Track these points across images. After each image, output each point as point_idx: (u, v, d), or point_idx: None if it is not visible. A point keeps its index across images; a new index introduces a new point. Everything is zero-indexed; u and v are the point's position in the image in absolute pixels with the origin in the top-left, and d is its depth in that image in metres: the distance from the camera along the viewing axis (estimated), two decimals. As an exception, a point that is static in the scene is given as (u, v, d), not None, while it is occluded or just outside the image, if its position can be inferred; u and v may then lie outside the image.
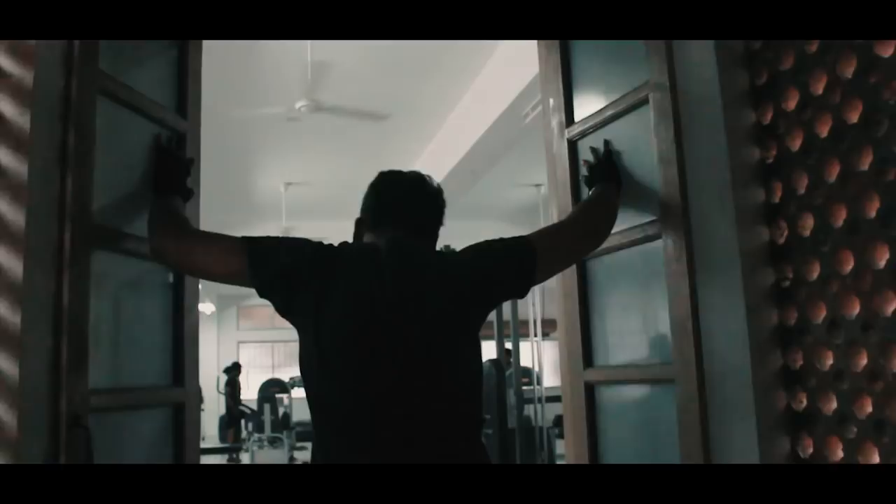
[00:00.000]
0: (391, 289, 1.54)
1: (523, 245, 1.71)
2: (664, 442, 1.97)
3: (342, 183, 9.44)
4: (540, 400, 5.53)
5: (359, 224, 1.77)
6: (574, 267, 2.30)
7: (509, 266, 1.68)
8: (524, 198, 10.87)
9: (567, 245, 1.89)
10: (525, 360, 6.25)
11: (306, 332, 1.56)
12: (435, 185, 1.81)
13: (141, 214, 1.91)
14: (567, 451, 2.34)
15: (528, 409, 5.55)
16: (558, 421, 7.00)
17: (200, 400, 2.29)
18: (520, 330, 6.00)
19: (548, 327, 5.66)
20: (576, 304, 2.30)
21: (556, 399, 6.84)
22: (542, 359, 5.80)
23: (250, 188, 10.21)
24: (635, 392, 2.21)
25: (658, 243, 2.00)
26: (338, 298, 1.53)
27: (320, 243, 1.63)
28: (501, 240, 1.74)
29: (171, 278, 2.15)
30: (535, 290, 5.44)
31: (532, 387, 5.85)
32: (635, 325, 2.20)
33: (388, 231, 1.70)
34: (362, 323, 1.53)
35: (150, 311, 2.11)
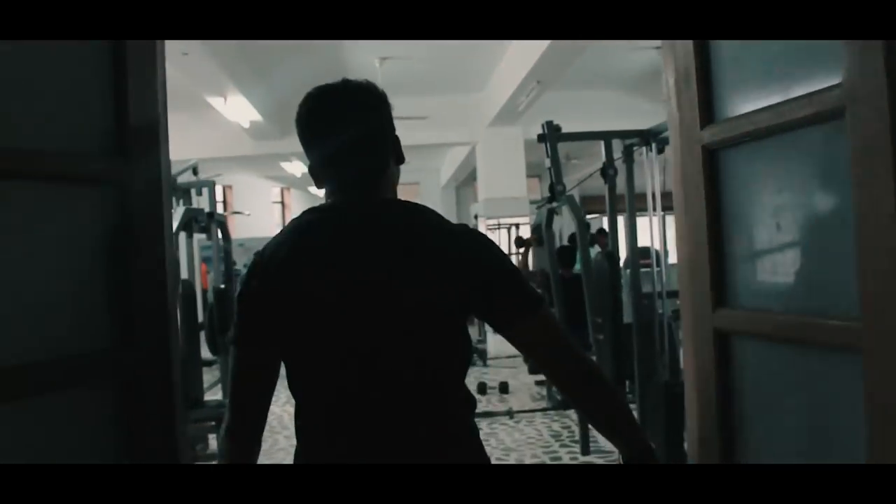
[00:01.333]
0: (352, 289, 1.42)
1: (530, 298, 1.49)
2: (840, 434, 1.27)
3: (443, 54, 8.71)
4: (661, 294, 4.76)
5: (311, 172, 1.56)
6: (699, 157, 1.56)
7: (495, 300, 1.47)
8: (643, 62, 9.81)
9: (548, 354, 1.50)
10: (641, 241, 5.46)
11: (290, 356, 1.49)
12: (364, 85, 1.53)
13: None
14: (690, 430, 1.66)
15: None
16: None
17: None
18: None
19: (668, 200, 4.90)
20: (701, 210, 1.56)
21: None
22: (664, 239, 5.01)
23: (341, 65, 9.63)
24: (794, 355, 1.45)
25: (837, 124, 1.22)
26: (308, 316, 1.44)
27: (253, 284, 1.47)
28: (513, 271, 1.51)
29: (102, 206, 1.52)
30: (655, 159, 4.60)
31: (652, 269, 4.98)
32: (794, 253, 1.45)
33: (341, 189, 1.52)
34: (336, 327, 1.43)
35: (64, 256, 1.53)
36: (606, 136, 4.79)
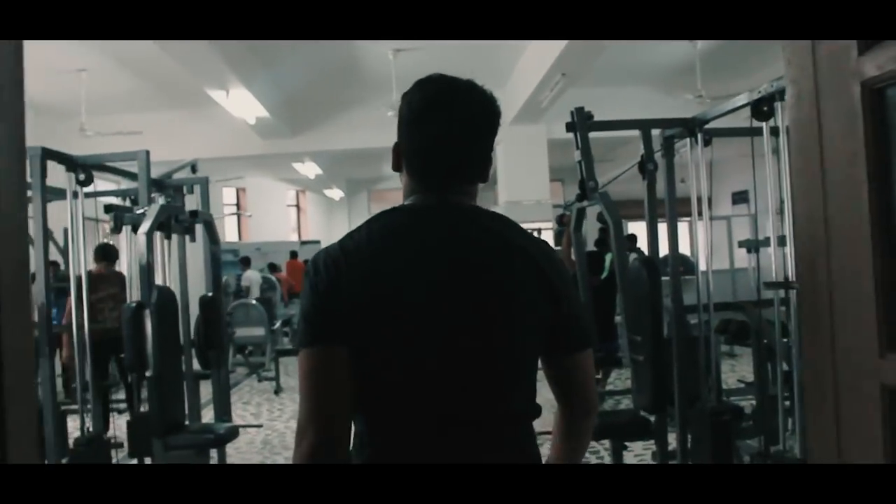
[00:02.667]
0: (435, 293, 1.37)
1: (587, 336, 1.51)
2: None
3: (461, 46, 8.14)
4: (706, 307, 4.13)
5: (396, 151, 1.46)
6: (853, 99, 0.95)
7: (558, 327, 1.45)
8: (676, 55, 9.18)
9: (574, 389, 1.52)
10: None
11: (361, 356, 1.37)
12: (489, 96, 1.46)
13: None
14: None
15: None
16: (725, 327, 5.63)
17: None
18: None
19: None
20: (856, 187, 0.95)
21: (726, 307, 5.49)
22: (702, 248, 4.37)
23: (355, 58, 9.08)
24: None
25: None
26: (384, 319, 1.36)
27: (332, 283, 1.37)
28: (580, 303, 1.58)
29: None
30: (701, 153, 3.99)
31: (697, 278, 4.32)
32: None
33: (428, 189, 1.43)
34: (412, 332, 1.37)
35: None
36: (645, 126, 4.18)
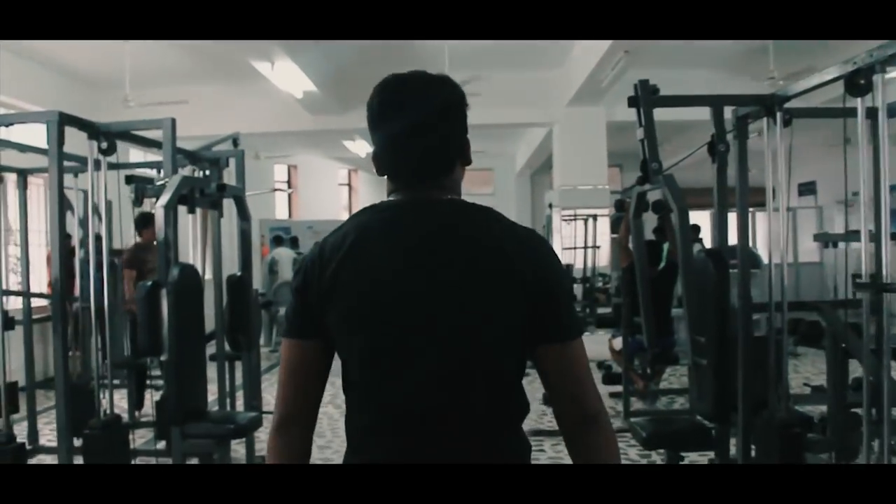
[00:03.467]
0: (409, 290, 1.42)
1: (573, 326, 1.48)
2: None
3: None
4: (780, 306, 3.68)
5: (375, 162, 1.52)
6: None
7: (541, 316, 1.44)
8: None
9: (563, 384, 1.47)
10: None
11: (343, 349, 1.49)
12: (442, 84, 1.50)
13: None
14: None
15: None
16: (794, 328, 5.15)
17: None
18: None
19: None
20: None
21: (800, 306, 4.99)
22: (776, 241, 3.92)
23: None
24: None
25: None
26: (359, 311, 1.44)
27: (310, 278, 1.47)
28: (568, 293, 1.55)
29: None
30: (781, 134, 3.57)
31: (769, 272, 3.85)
32: None
33: (404, 187, 1.49)
34: (387, 322, 1.42)
35: None
36: (717, 102, 3.74)
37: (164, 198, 3.48)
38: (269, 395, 7.76)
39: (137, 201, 3.84)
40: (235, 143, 6.43)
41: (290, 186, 18.03)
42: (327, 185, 18.72)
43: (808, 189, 18.83)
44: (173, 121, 3.90)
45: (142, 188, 3.83)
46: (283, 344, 1.51)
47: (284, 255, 13.10)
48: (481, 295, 1.40)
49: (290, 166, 17.75)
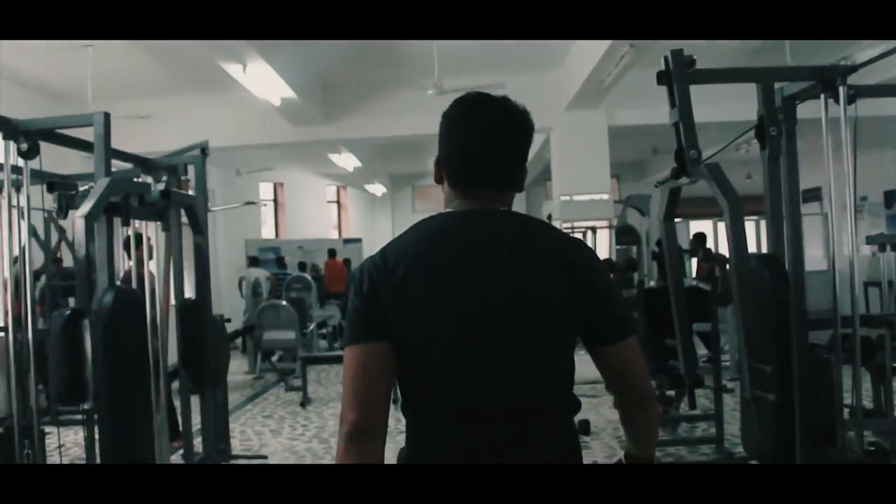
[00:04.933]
0: (470, 296, 1.50)
1: (627, 324, 1.58)
2: None
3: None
4: (848, 321, 3.01)
5: (437, 164, 1.62)
6: None
7: (597, 318, 1.55)
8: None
9: (625, 378, 1.59)
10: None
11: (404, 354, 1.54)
12: (521, 109, 1.59)
13: None
14: None
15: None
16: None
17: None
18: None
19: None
20: None
21: (867, 322, 4.28)
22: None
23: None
24: None
25: None
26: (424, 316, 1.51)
27: (375, 285, 1.53)
28: (617, 293, 1.64)
29: None
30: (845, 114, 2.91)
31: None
32: None
33: (466, 196, 1.58)
34: (449, 330, 1.50)
35: None
36: (765, 76, 3.07)
37: (86, 206, 2.79)
38: (251, 429, 7.10)
39: (62, 212, 3.15)
40: (204, 152, 5.78)
41: (276, 204, 17.35)
42: (315, 202, 18.02)
43: (812, 196, 18.25)
44: (106, 115, 3.22)
45: (66, 197, 3.13)
46: (349, 351, 1.53)
47: (256, 275, 12.40)
48: (545, 298, 1.50)
49: (276, 184, 17.07)
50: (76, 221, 2.75)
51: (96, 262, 3.10)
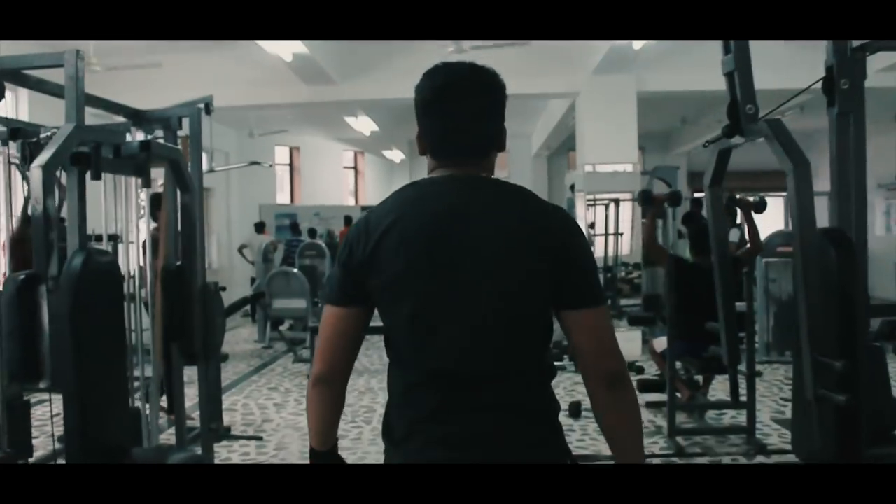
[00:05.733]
0: (447, 263, 1.55)
1: (598, 294, 1.60)
2: None
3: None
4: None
5: (419, 140, 1.68)
6: None
7: (568, 284, 1.57)
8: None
9: (588, 345, 1.58)
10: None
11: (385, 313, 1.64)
12: (489, 74, 1.65)
13: None
14: None
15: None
16: (891, 331, 4.11)
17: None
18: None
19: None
20: None
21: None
22: None
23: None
24: None
25: None
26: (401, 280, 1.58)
27: (355, 248, 1.62)
28: (592, 264, 1.63)
29: None
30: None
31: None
32: None
33: (446, 165, 1.64)
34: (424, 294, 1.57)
35: None
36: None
37: (45, 155, 2.40)
38: (254, 402, 6.78)
39: (25, 162, 2.77)
40: (208, 109, 5.42)
41: (292, 169, 16.98)
42: (332, 168, 17.63)
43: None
44: (78, 53, 2.82)
45: (31, 146, 2.75)
46: (325, 309, 1.66)
47: (256, 242, 12.08)
48: (515, 262, 1.54)
49: (291, 148, 16.70)
50: (33, 172, 2.37)
51: (74, 220, 2.75)
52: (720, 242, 2.89)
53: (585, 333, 1.55)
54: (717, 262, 2.88)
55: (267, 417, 6.33)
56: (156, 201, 5.84)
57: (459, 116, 1.60)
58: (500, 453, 1.52)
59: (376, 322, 1.66)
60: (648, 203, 5.75)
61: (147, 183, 3.08)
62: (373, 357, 8.70)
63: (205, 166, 10.37)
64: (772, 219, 12.44)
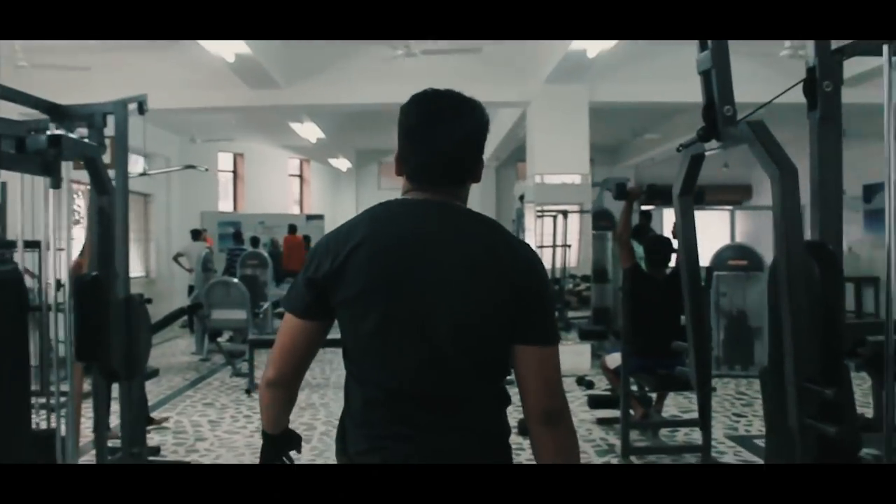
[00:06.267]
0: (413, 288, 1.58)
1: (552, 334, 1.62)
2: None
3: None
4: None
5: (397, 159, 1.70)
6: None
7: (524, 319, 1.59)
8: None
9: (532, 383, 1.59)
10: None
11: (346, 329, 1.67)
12: (475, 107, 1.68)
13: None
14: None
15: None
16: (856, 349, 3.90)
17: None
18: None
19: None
20: None
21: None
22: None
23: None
24: None
25: None
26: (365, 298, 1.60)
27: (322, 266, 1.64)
28: (551, 303, 1.69)
29: None
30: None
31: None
32: None
33: (420, 189, 1.67)
34: (387, 313, 1.59)
35: None
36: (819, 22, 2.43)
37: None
38: (188, 419, 6.35)
39: None
40: (141, 108, 5.08)
41: (235, 176, 16.51)
42: (277, 175, 17.19)
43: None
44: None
45: None
46: (285, 315, 1.68)
47: (195, 249, 11.64)
48: (477, 291, 1.56)
49: (235, 154, 16.24)
50: None
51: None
52: (690, 254, 2.68)
53: (533, 370, 1.58)
54: (687, 275, 2.67)
55: (200, 436, 5.96)
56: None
57: (441, 144, 1.61)
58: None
59: (332, 334, 1.69)
60: (623, 195, 5.53)
61: (56, 184, 2.74)
62: (315, 371, 8.38)
63: (139, 169, 9.98)
64: (718, 231, 12.47)
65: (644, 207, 10.53)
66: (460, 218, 1.63)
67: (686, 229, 2.67)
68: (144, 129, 5.87)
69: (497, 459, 1.62)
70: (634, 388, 5.59)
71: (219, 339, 9.18)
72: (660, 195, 6.49)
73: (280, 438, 1.81)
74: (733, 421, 6.33)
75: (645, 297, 5.25)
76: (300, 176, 18.61)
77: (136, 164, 8.21)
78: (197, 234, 12.41)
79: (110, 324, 3.00)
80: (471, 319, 1.55)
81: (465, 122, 1.64)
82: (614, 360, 5.60)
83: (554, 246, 10.25)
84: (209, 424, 6.32)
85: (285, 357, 1.66)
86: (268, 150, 16.23)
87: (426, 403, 1.58)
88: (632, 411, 5.39)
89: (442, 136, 1.61)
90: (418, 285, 1.55)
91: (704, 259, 9.56)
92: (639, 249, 10.56)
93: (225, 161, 16.10)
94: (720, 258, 8.50)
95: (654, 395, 5.74)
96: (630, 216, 5.52)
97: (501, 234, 1.64)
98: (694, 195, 2.73)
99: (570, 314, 10.30)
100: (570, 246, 10.81)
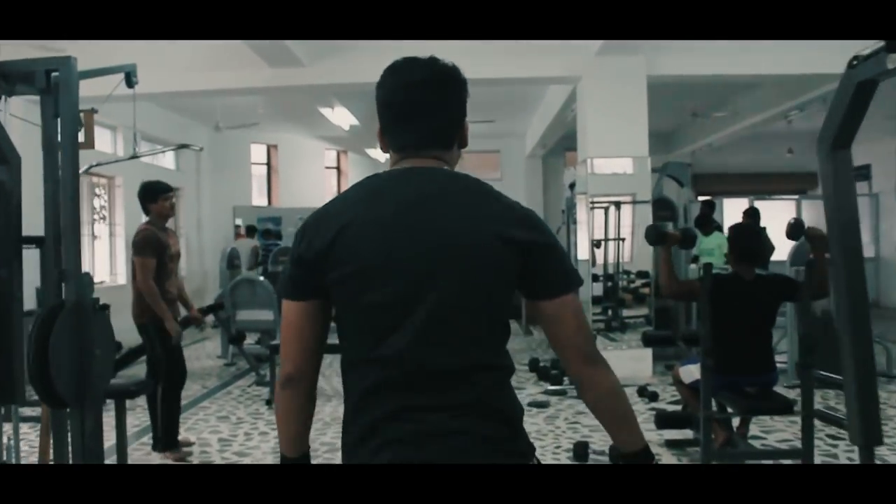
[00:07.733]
0: (405, 254, 1.52)
1: (572, 278, 1.60)
2: None
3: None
4: None
5: (380, 137, 1.69)
6: None
7: (540, 272, 1.57)
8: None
9: (565, 331, 1.58)
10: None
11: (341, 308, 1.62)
12: (449, 68, 1.66)
13: None
14: None
15: None
16: None
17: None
18: None
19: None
20: None
21: None
22: None
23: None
24: None
25: None
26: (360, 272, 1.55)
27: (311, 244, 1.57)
28: (560, 248, 1.61)
29: None
30: None
31: None
32: None
33: (406, 158, 1.64)
34: (382, 285, 1.53)
35: None
36: None
37: None
38: (196, 436, 5.52)
39: None
40: (129, 80, 4.41)
41: (269, 168, 15.82)
42: (313, 168, 16.44)
43: (860, 174, 16.57)
44: None
45: None
46: (283, 304, 1.61)
47: (247, 246, 11.01)
48: (479, 253, 1.50)
49: (269, 146, 15.54)
50: None
51: None
52: (847, 233, 1.76)
53: (566, 319, 1.56)
54: (843, 264, 1.76)
55: (207, 458, 5.18)
56: (149, 193, 5.15)
57: (420, 108, 1.60)
58: (455, 453, 1.48)
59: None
60: (660, 241, 4.58)
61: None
62: (334, 380, 7.60)
63: (123, 151, 9.18)
64: (783, 224, 11.37)
65: (702, 198, 9.54)
66: (451, 181, 1.60)
67: (840, 196, 1.75)
68: (134, 104, 5.15)
69: (503, 438, 1.54)
70: (714, 407, 4.63)
71: (245, 342, 8.45)
72: (694, 241, 5.61)
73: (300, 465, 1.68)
74: (828, 445, 5.31)
75: (726, 302, 4.27)
76: (337, 168, 17.85)
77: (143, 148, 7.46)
78: (252, 231, 11.84)
79: (50, 337, 2.19)
80: (473, 282, 1.50)
81: (441, 83, 1.62)
82: (690, 373, 4.63)
83: (606, 240, 9.32)
84: (218, 444, 5.55)
85: (295, 347, 1.59)
86: (302, 140, 15.49)
87: (429, 379, 1.52)
88: (712, 436, 4.43)
89: (419, 98, 1.60)
90: (415, 254, 1.50)
91: (781, 252, 8.49)
92: (704, 242, 9.65)
93: (258, 152, 15.43)
94: (799, 253, 7.42)
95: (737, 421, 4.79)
96: (671, 265, 4.51)
97: (495, 194, 1.60)
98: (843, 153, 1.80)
99: (625, 313, 9.38)
100: (623, 239, 9.90)
